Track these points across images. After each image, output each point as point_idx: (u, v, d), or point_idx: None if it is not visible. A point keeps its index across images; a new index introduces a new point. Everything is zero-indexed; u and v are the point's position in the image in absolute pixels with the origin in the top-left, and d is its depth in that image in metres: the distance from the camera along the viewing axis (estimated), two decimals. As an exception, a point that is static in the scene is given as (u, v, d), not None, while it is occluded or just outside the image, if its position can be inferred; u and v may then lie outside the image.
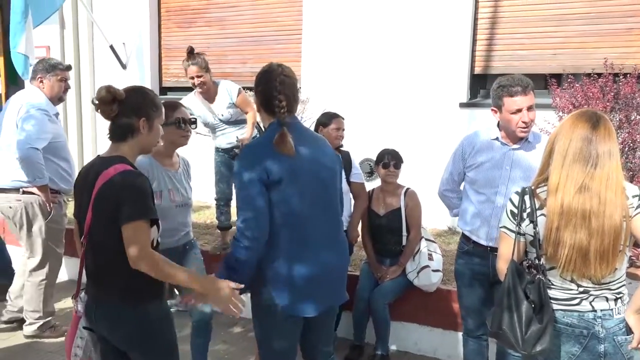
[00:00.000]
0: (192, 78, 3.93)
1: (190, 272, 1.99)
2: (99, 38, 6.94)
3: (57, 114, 3.62)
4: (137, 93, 2.05)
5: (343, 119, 3.55)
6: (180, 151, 2.88)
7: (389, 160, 3.50)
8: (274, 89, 2.04)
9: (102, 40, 6.72)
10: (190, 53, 4.00)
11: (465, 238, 2.72)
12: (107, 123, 2.04)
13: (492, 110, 2.56)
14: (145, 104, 2.04)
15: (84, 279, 2.07)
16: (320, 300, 2.09)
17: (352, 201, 3.47)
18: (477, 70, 5.22)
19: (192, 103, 4.03)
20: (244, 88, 4.94)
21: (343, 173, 3.27)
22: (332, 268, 2.11)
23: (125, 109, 1.99)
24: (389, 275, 3.47)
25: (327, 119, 3.49)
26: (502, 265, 1.96)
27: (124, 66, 6.89)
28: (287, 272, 2.01)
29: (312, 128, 3.67)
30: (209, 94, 3.99)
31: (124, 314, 1.96)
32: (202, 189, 6.18)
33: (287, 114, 2.04)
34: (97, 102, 1.98)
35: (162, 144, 2.62)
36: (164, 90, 7.07)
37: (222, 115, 4.06)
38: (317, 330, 2.23)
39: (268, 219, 1.96)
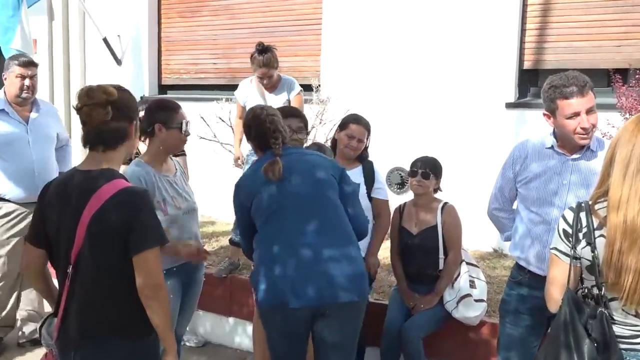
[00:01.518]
0: (260, 77, 4.24)
1: (170, 324, 2.04)
2: (91, 30, 7.09)
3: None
4: (124, 92, 2.06)
5: (366, 125, 3.41)
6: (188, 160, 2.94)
7: (418, 168, 3.47)
8: (268, 130, 2.62)
9: (95, 33, 6.86)
10: (260, 51, 4.18)
11: (519, 267, 2.69)
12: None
13: (545, 115, 2.53)
14: (134, 104, 2.10)
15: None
16: (305, 293, 2.42)
17: (372, 221, 3.39)
18: (527, 64, 5.17)
19: (247, 88, 4.38)
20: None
21: (363, 186, 3.28)
22: (317, 261, 2.46)
23: (118, 112, 1.98)
24: (424, 304, 3.43)
25: (343, 122, 3.47)
26: (554, 291, 1.92)
27: (118, 62, 7.01)
28: (265, 269, 2.50)
29: (334, 130, 3.68)
30: (271, 85, 4.31)
31: (123, 349, 1.95)
32: (206, 202, 6.23)
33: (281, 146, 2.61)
34: (90, 103, 1.94)
35: (161, 148, 2.69)
36: (163, 88, 7.18)
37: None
38: (323, 335, 2.54)
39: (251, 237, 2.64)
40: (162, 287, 1.93)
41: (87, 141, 2.00)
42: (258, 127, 2.66)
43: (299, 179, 2.58)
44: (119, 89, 2.05)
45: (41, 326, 2.09)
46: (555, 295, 1.91)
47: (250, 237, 2.63)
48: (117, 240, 1.88)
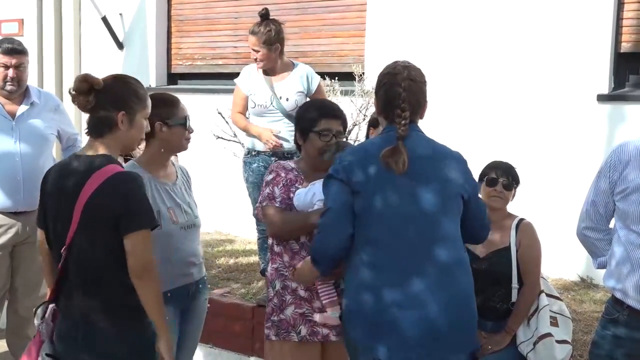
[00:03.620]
0: (253, 51, 4.27)
1: (161, 308, 2.43)
2: (88, 8, 7.27)
3: None
4: (117, 82, 2.48)
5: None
6: (191, 162, 3.00)
7: (498, 176, 3.46)
8: (397, 96, 2.48)
9: (93, 11, 7.06)
10: (262, 16, 4.25)
11: (615, 301, 2.66)
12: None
13: None
14: (126, 94, 2.44)
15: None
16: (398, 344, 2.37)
17: None
18: (625, 47, 5.11)
19: (253, 75, 4.38)
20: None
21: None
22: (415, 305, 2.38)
23: (103, 101, 2.40)
24: (491, 345, 3.41)
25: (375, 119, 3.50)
26: None
27: (120, 45, 7.18)
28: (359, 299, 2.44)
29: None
30: (273, 70, 4.33)
31: (120, 332, 2.36)
32: (223, 216, 6.32)
33: (408, 126, 2.47)
34: (73, 92, 2.38)
35: (162, 150, 2.82)
36: (173, 77, 7.32)
37: (287, 100, 4.27)
38: None
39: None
40: (152, 269, 2.34)
41: (86, 128, 2.47)
42: (389, 88, 2.53)
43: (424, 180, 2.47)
44: (112, 78, 2.51)
45: (37, 308, 2.52)
46: None
47: (343, 232, 2.45)
48: (109, 223, 2.29)
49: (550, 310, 3.40)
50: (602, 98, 5.07)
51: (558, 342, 3.35)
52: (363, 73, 5.47)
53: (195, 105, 6.31)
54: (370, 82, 5.39)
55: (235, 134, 5.24)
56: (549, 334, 3.33)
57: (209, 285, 4.64)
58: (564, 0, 5.14)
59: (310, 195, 2.85)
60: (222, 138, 5.30)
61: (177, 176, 2.98)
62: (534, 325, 3.37)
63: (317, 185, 2.81)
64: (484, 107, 5.41)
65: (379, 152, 2.45)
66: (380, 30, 5.89)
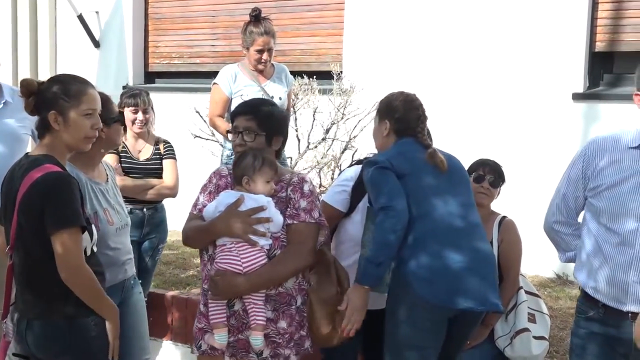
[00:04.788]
0: (261, 52, 4.16)
1: (115, 307, 2.52)
2: (63, 6, 7.20)
3: None
4: (50, 83, 2.50)
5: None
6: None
7: (485, 173, 3.48)
8: (419, 119, 2.92)
9: (68, 9, 6.98)
10: (257, 17, 4.21)
11: (588, 299, 2.64)
12: None
13: (636, 95, 2.50)
14: (54, 94, 2.45)
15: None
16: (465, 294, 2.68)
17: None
18: (599, 46, 5.17)
19: (236, 76, 4.25)
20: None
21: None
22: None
23: (39, 103, 2.47)
24: (470, 340, 3.43)
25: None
26: None
27: (96, 44, 7.12)
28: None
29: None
30: (265, 72, 4.31)
31: (61, 329, 2.40)
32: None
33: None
34: (20, 96, 2.49)
35: (102, 151, 2.80)
36: (150, 76, 7.27)
37: (280, 99, 4.26)
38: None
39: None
40: (79, 269, 2.35)
41: None
42: (409, 111, 2.93)
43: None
44: (50, 79, 2.55)
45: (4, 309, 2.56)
46: None
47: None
48: (40, 223, 2.32)
49: (528, 307, 3.41)
50: (577, 97, 5.12)
51: (535, 337, 3.37)
52: (341, 72, 5.47)
53: (173, 103, 6.31)
54: (348, 80, 5.41)
55: (213, 133, 5.21)
56: (526, 329, 3.35)
57: (189, 285, 4.65)
58: (540, 0, 5.19)
59: (213, 206, 2.70)
60: (199, 137, 5.28)
61: (107, 175, 2.95)
62: (512, 320, 3.38)
63: (222, 195, 2.71)
64: (460, 106, 5.44)
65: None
66: (358, 29, 5.90)
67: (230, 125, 2.86)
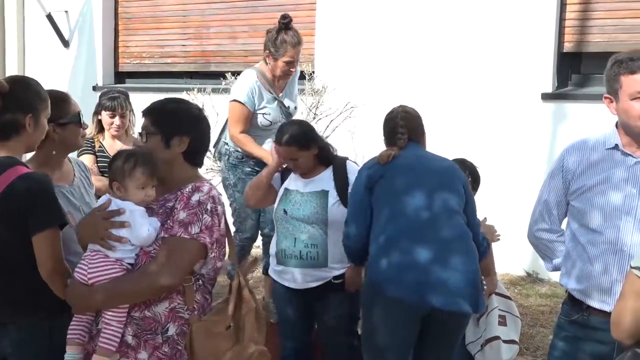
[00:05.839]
0: (290, 64, 3.95)
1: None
2: (32, 5, 7.09)
3: None
4: (21, 84, 2.45)
5: (294, 141, 3.27)
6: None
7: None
8: (397, 126, 3.09)
9: (37, 8, 6.88)
10: (287, 25, 4.03)
11: (573, 302, 2.60)
12: None
13: (606, 99, 2.50)
14: (31, 97, 2.41)
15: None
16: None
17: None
18: (567, 47, 5.23)
19: (253, 90, 3.98)
20: (234, 73, 4.98)
21: (334, 192, 3.30)
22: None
23: (9, 104, 2.37)
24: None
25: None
26: (624, 319, 1.91)
27: (66, 43, 7.02)
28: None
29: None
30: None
31: (34, 334, 2.37)
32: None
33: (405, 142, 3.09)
34: None
35: (54, 153, 2.71)
36: (120, 76, 7.19)
37: (295, 108, 4.18)
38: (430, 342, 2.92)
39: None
40: (58, 270, 2.33)
41: None
42: (386, 126, 3.15)
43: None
44: (14, 80, 2.48)
45: None
46: (625, 325, 1.91)
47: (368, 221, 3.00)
48: (17, 225, 2.30)
49: (499, 309, 3.43)
50: (546, 97, 5.17)
51: (505, 342, 3.38)
52: (313, 72, 5.47)
53: (144, 104, 6.15)
54: (320, 80, 5.41)
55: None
56: (496, 337, 3.36)
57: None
58: (508, 1, 5.24)
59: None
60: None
61: (74, 175, 2.80)
62: (483, 326, 3.38)
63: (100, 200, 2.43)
64: (430, 106, 5.45)
65: None
66: (330, 29, 5.90)
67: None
